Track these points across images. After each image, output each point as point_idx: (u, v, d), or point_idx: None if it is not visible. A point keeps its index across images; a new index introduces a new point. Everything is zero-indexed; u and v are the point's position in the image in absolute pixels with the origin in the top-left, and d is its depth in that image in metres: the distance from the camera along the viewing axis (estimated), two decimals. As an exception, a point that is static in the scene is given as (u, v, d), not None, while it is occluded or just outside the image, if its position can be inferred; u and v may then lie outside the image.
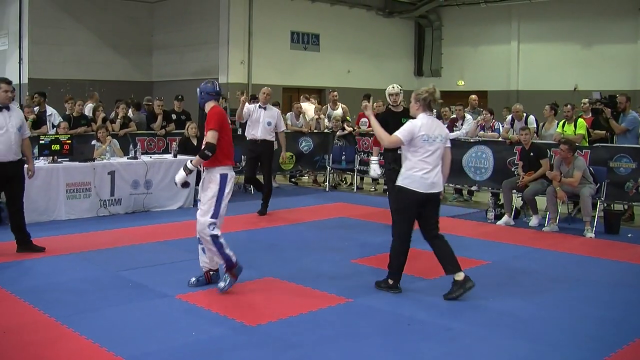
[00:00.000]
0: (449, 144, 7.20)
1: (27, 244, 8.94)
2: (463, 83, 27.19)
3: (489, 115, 14.00)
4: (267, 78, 22.62)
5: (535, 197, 11.36)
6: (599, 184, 11.21)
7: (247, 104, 11.78)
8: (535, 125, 13.08)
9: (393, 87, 10.55)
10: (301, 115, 16.57)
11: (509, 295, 7.32)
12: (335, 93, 17.32)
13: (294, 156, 16.07)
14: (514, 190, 11.80)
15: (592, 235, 10.54)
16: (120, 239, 9.91)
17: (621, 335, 6.06)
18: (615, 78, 22.52)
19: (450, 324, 6.34)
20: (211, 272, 7.51)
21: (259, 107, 11.85)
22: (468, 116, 14.47)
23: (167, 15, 24.67)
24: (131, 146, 12.66)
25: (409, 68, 29.07)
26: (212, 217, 7.19)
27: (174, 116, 15.20)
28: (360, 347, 5.72)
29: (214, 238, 7.12)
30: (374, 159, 10.61)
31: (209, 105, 7.66)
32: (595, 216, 10.99)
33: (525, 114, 13.38)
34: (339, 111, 16.92)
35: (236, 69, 22.66)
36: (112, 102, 16.77)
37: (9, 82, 8.62)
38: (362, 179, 16.42)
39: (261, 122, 11.77)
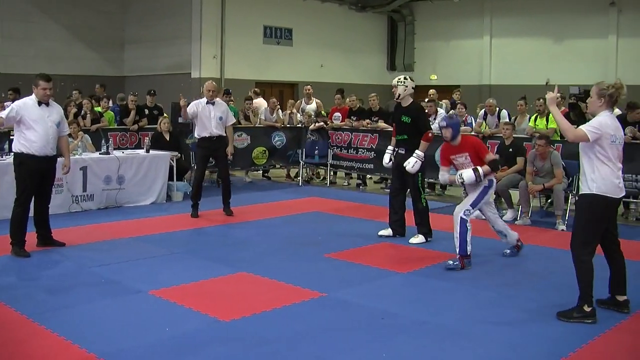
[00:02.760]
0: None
1: (49, 239, 9.02)
2: (436, 77, 27.28)
3: (462, 109, 14.05)
4: (240, 73, 22.60)
5: (509, 191, 11.43)
6: (571, 178, 11.30)
7: (194, 101, 11.66)
8: (508, 120, 13.15)
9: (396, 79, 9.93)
10: (275, 111, 16.53)
11: (482, 288, 7.36)
12: (309, 87, 17.31)
13: (267, 151, 16.05)
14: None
15: (564, 228, 10.61)
16: (93, 235, 9.85)
17: (593, 327, 6.11)
18: (587, 72, 22.65)
19: (424, 317, 6.36)
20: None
21: (207, 103, 11.42)
22: (441, 111, 14.50)
23: (139, 10, 24.52)
24: (103, 141, 12.56)
25: (382, 63, 29.11)
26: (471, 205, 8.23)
27: (146, 111, 15.12)
28: (334, 341, 5.72)
29: (463, 221, 8.07)
30: (389, 148, 10.12)
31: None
32: (567, 209, 11.08)
33: (498, 109, 13.45)
34: (312, 105, 16.92)
35: (209, 63, 22.57)
36: (85, 97, 16.60)
37: (47, 79, 8.56)
38: (335, 173, 16.43)
39: (213, 118, 11.37)
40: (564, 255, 6.95)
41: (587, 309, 6.27)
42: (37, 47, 22.26)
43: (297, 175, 16.57)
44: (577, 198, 6.93)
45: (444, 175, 8.77)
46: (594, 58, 23.55)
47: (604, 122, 6.28)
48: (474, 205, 8.22)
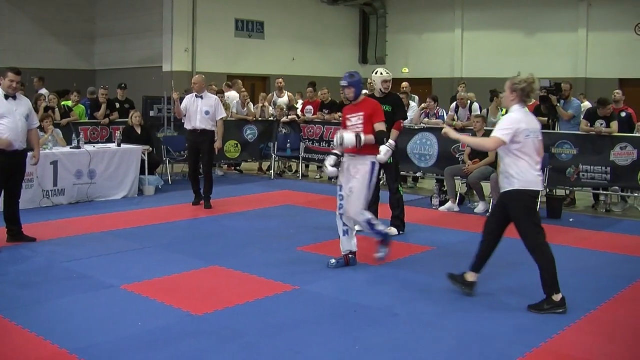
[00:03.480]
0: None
1: (19, 234, 8.96)
2: (407, 70, 27.33)
3: (433, 102, 14.10)
4: (212, 66, 22.50)
5: (481, 183, 11.50)
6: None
7: (186, 96, 11.71)
8: (479, 113, 13.22)
9: (382, 74, 9.68)
10: (247, 103, 16.50)
11: (453, 280, 7.41)
12: (281, 80, 17.29)
13: (238, 144, 16.03)
14: (458, 177, 11.93)
15: (535, 220, 10.70)
16: (64, 229, 9.78)
17: (563, 317, 6.18)
18: (557, 66, 22.86)
19: (396, 309, 6.40)
20: (350, 256, 7.89)
21: (196, 96, 11.50)
22: (412, 103, 14.55)
23: (110, 3, 24.34)
24: (74, 135, 12.48)
25: (354, 55, 29.12)
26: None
27: (117, 105, 15.03)
28: (307, 333, 5.74)
29: (369, 222, 7.65)
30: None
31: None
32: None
33: (469, 102, 13.53)
34: (284, 99, 16.91)
35: (180, 56, 22.46)
36: (55, 90, 16.47)
37: (17, 72, 8.52)
38: (307, 166, 16.44)
39: (199, 112, 11.42)
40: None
41: (555, 298, 6.35)
42: (5, 40, 22.01)
43: (269, 168, 16.56)
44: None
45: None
46: (565, 51, 23.73)
47: (514, 118, 6.51)
48: (365, 205, 7.71)
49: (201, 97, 11.46)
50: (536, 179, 6.49)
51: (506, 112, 12.14)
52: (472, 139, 6.55)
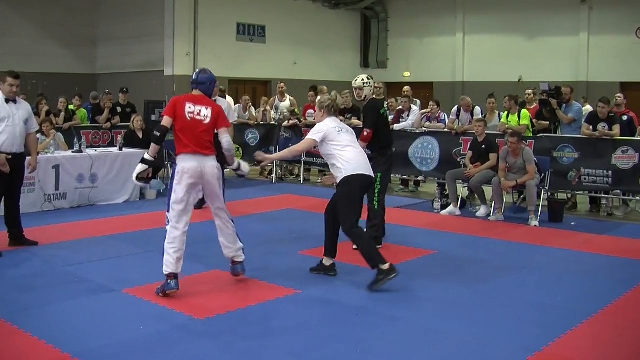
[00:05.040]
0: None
1: (21, 238, 8.99)
2: (409, 74, 27.35)
3: (435, 106, 14.10)
4: (213, 70, 21.74)
5: (483, 187, 11.50)
6: (543, 174, 11.41)
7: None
8: (481, 117, 13.22)
9: (355, 81, 9.06)
10: (248, 108, 16.51)
11: (455, 283, 7.41)
12: (283, 84, 17.30)
13: (240, 148, 16.03)
14: (460, 181, 11.92)
15: (537, 223, 10.71)
16: (66, 233, 9.78)
17: (564, 321, 6.17)
18: (558, 69, 22.90)
19: (398, 313, 6.40)
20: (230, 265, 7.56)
21: None
22: (414, 107, 14.56)
23: (111, 7, 24.36)
24: (76, 139, 12.50)
25: (355, 60, 29.14)
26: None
27: (119, 109, 15.06)
28: (308, 338, 5.75)
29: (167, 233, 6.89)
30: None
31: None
32: (539, 205, 11.18)
33: (471, 106, 13.53)
34: (286, 103, 16.91)
35: (182, 61, 22.47)
36: (56, 95, 16.48)
37: (15, 76, 8.59)
38: (309, 170, 16.43)
39: None
40: (536, 251, 7.04)
41: (384, 267, 6.99)
42: (6, 44, 21.99)
43: (270, 172, 16.54)
44: (336, 186, 7.24)
45: None
46: (566, 55, 23.72)
47: (323, 123, 7.50)
48: (168, 209, 6.99)
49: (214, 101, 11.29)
50: (365, 165, 7.40)
51: (507, 116, 12.26)
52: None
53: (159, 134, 6.93)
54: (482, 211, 11.51)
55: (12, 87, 8.53)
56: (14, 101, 8.64)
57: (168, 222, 6.92)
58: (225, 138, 7.14)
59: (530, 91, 13.94)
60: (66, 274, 7.64)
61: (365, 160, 7.44)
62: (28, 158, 8.98)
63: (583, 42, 23.69)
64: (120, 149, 12.80)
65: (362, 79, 8.93)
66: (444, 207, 11.92)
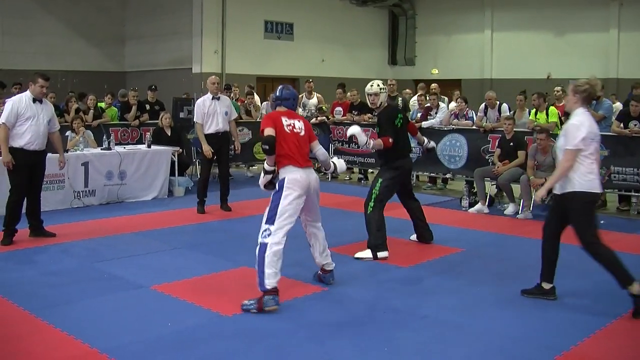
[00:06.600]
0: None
1: (40, 229, 9.35)
2: (437, 72, 27.27)
3: (463, 103, 14.04)
4: (241, 68, 22.59)
5: (511, 185, 11.43)
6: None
7: (198, 103, 11.38)
8: (509, 114, 13.15)
9: (371, 86, 8.70)
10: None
11: (482, 281, 7.38)
12: (312, 83, 17.29)
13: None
14: (488, 178, 11.87)
15: (566, 222, 10.61)
16: (95, 230, 9.86)
17: (593, 321, 6.13)
18: (588, 66, 22.65)
19: (425, 311, 6.38)
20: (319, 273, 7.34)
21: (212, 98, 11.24)
22: (442, 105, 14.50)
23: (140, 5, 24.54)
24: (104, 137, 12.58)
25: (383, 57, 29.11)
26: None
27: (147, 106, 15.13)
28: (335, 335, 5.73)
29: (261, 247, 6.46)
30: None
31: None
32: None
33: (498, 102, 13.45)
34: (314, 100, 16.91)
35: (210, 58, 22.58)
36: (86, 92, 16.61)
37: (46, 78, 8.98)
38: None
39: (219, 113, 11.22)
40: (565, 249, 6.95)
41: (545, 286, 6.79)
42: (37, 43, 22.27)
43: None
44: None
45: None
46: (595, 52, 23.53)
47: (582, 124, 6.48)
48: (269, 220, 6.62)
49: (218, 98, 11.31)
50: (594, 183, 6.48)
51: (536, 113, 12.17)
52: (556, 174, 6.51)
53: (268, 147, 6.70)
54: (510, 209, 11.44)
55: (43, 89, 8.96)
56: (40, 101, 9.02)
57: (268, 234, 6.49)
58: (320, 150, 7.23)
59: (559, 88, 13.83)
60: (95, 271, 7.70)
61: None
62: (51, 155, 9.48)
63: (613, 39, 23.49)
64: (149, 146, 12.88)
65: (379, 84, 8.61)
66: (472, 204, 11.87)
